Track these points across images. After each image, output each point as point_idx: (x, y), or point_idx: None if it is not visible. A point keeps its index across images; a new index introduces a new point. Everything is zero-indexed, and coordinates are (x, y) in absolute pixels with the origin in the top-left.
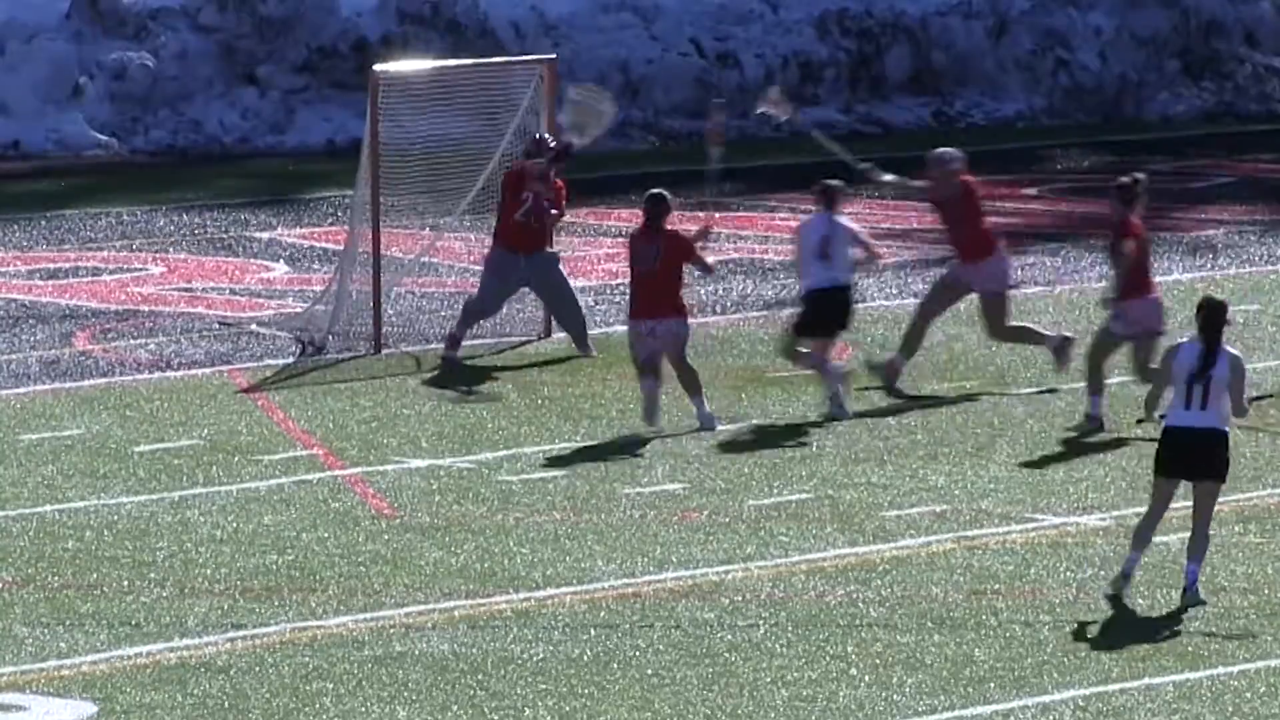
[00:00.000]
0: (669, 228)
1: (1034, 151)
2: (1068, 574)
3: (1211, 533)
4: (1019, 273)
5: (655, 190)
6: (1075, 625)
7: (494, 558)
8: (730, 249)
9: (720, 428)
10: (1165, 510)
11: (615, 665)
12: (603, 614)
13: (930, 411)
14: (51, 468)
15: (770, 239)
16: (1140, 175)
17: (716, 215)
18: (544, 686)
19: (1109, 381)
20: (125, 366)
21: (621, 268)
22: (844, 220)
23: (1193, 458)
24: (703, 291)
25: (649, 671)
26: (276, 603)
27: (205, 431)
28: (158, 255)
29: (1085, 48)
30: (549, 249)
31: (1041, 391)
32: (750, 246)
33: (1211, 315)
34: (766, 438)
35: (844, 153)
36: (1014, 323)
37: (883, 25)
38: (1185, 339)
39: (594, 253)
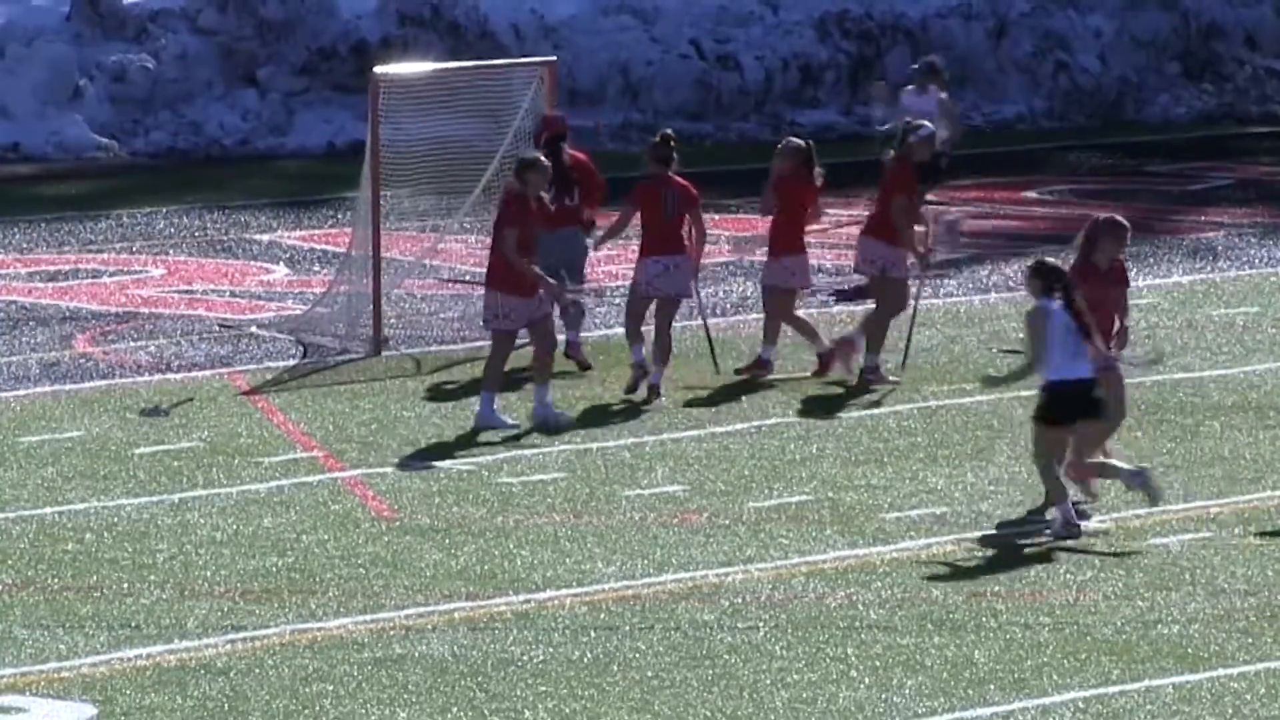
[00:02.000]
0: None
1: (1034, 154)
2: (1067, 575)
3: (1210, 534)
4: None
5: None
6: (1075, 627)
7: (494, 560)
8: (730, 251)
9: (718, 430)
10: None
11: (615, 667)
12: (603, 616)
13: (930, 413)
14: (51, 470)
15: None
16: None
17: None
18: (544, 689)
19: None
20: (125, 369)
21: (623, 269)
22: None
23: None
24: (702, 293)
25: (649, 673)
26: (276, 605)
27: (205, 434)
28: (158, 257)
29: (1085, 50)
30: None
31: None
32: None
33: None
34: (766, 439)
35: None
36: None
37: (883, 27)
38: None
39: (593, 254)
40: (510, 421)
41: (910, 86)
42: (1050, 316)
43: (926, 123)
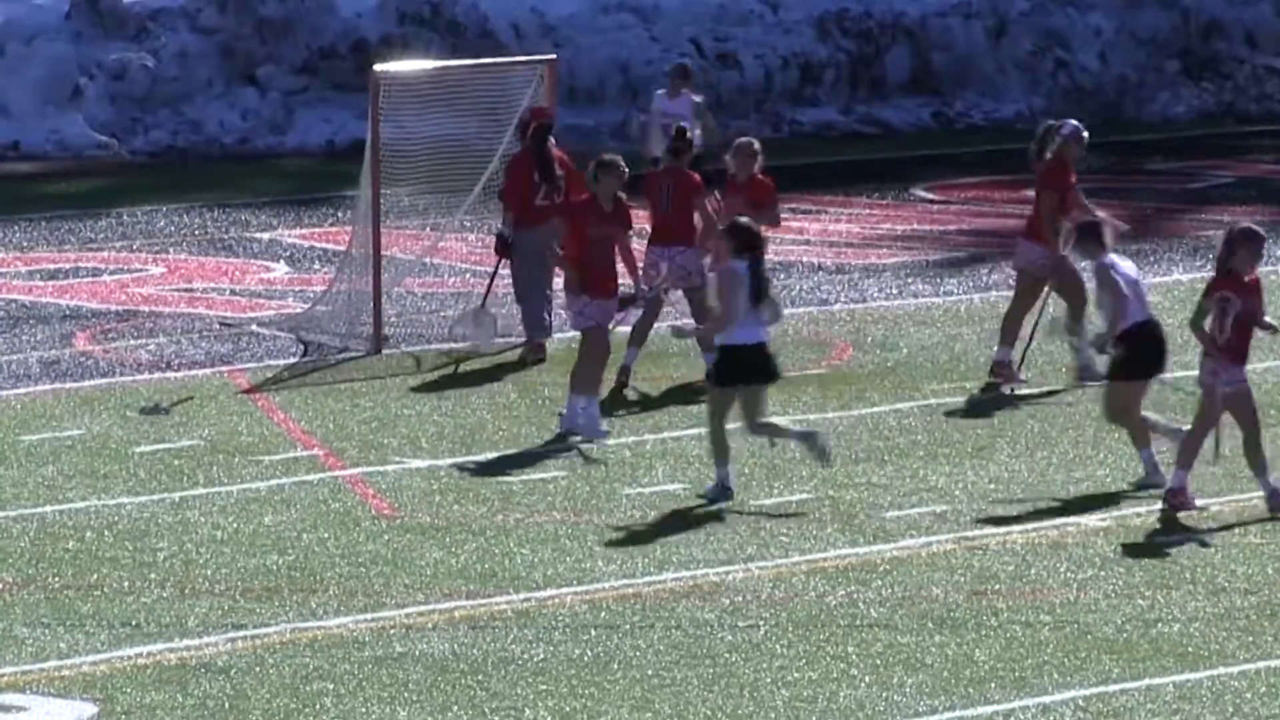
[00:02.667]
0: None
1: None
2: (1068, 574)
3: (1210, 527)
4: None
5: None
6: (1075, 625)
7: (494, 558)
8: None
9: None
10: None
11: (616, 666)
12: (603, 614)
13: (930, 411)
14: (52, 468)
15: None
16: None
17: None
18: (544, 687)
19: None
20: (126, 367)
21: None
22: None
23: None
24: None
25: (649, 672)
26: (277, 603)
27: (206, 432)
28: (158, 256)
29: (1085, 48)
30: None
31: (1041, 391)
32: None
33: None
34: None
35: None
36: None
37: (882, 26)
38: None
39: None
40: (603, 429)
41: (662, 91)
42: (738, 278)
43: (1071, 121)
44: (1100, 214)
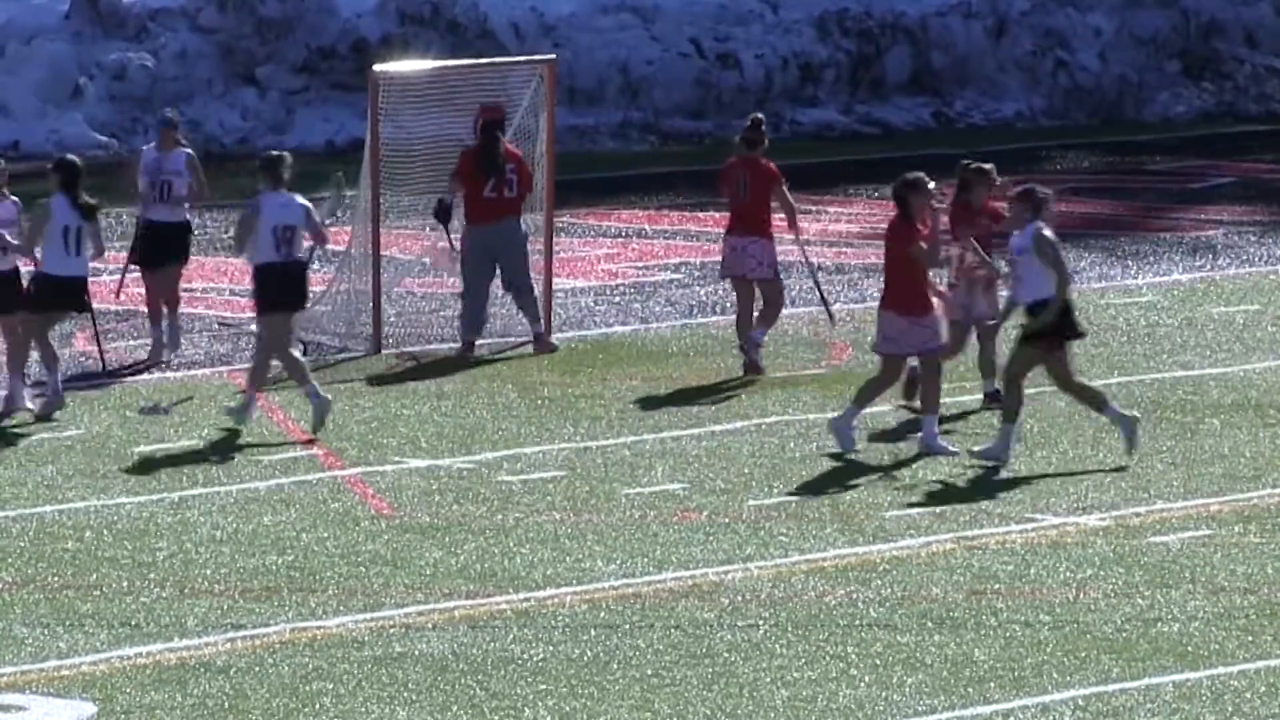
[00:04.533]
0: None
1: (1033, 152)
2: (1068, 574)
3: (1210, 532)
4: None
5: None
6: (1075, 625)
7: (494, 558)
8: None
9: (718, 428)
10: None
11: (615, 665)
12: (603, 614)
13: None
14: (51, 468)
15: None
16: None
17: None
18: (544, 687)
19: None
20: (125, 367)
21: (621, 268)
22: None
23: None
24: (702, 292)
25: (649, 672)
26: (276, 603)
27: (206, 432)
28: None
29: (1085, 48)
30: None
31: (1041, 391)
32: None
33: None
34: (766, 437)
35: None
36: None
37: (882, 26)
38: None
39: (593, 253)
40: (952, 449)
41: (151, 145)
42: (53, 214)
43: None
44: None
